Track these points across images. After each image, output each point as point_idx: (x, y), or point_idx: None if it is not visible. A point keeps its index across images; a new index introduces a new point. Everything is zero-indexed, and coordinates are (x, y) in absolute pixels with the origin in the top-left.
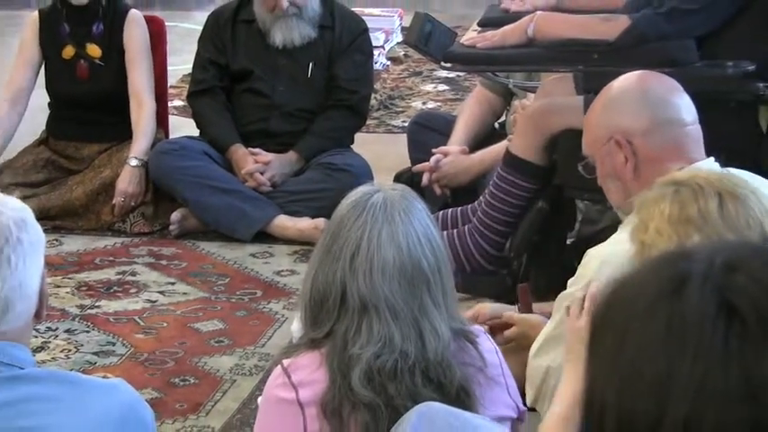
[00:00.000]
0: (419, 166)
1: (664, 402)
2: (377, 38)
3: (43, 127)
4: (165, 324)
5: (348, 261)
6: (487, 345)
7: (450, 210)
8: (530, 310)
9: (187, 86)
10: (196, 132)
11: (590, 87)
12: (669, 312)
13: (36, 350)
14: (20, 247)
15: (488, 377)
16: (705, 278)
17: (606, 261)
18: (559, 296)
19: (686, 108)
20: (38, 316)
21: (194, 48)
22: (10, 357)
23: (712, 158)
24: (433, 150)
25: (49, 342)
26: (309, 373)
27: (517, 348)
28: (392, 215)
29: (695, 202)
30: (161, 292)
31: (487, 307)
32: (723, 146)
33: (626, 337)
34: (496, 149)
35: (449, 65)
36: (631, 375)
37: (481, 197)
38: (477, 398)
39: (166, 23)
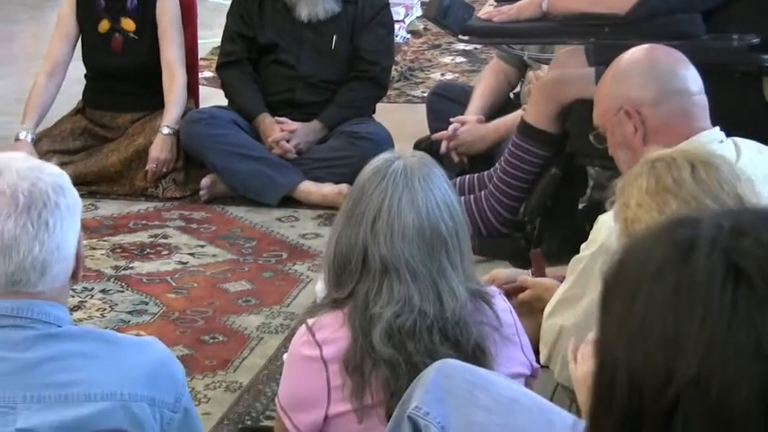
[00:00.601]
0: (437, 135)
1: (673, 361)
2: (397, 12)
3: (80, 97)
4: (195, 284)
5: (370, 225)
6: (502, 305)
7: (467, 176)
8: (543, 274)
9: (216, 59)
10: (225, 102)
11: (601, 60)
12: (678, 275)
13: (73, 309)
14: (57, 211)
15: (503, 336)
16: (713, 242)
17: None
18: (573, 259)
19: (692, 79)
20: (74, 277)
21: (223, 21)
22: (48, 316)
23: (717, 128)
24: (451, 119)
25: (86, 301)
26: (332, 332)
27: (531, 310)
28: (412, 181)
29: (669, 172)
30: (191, 254)
31: (503, 272)
32: (728, 116)
33: (636, 298)
34: (511, 118)
35: (466, 38)
36: (641, 334)
37: (497, 164)
38: (492, 355)
39: None
